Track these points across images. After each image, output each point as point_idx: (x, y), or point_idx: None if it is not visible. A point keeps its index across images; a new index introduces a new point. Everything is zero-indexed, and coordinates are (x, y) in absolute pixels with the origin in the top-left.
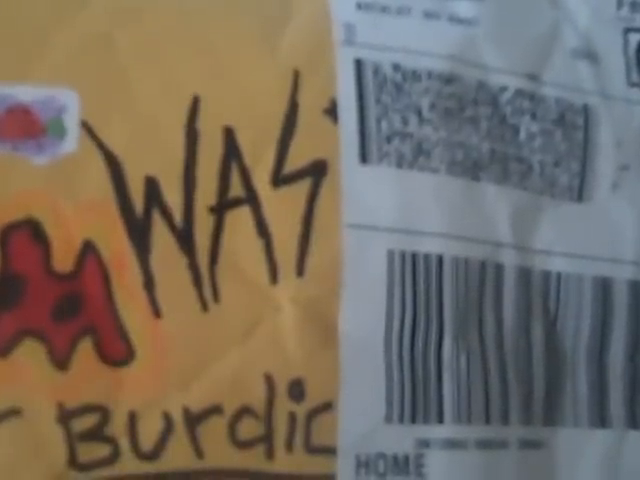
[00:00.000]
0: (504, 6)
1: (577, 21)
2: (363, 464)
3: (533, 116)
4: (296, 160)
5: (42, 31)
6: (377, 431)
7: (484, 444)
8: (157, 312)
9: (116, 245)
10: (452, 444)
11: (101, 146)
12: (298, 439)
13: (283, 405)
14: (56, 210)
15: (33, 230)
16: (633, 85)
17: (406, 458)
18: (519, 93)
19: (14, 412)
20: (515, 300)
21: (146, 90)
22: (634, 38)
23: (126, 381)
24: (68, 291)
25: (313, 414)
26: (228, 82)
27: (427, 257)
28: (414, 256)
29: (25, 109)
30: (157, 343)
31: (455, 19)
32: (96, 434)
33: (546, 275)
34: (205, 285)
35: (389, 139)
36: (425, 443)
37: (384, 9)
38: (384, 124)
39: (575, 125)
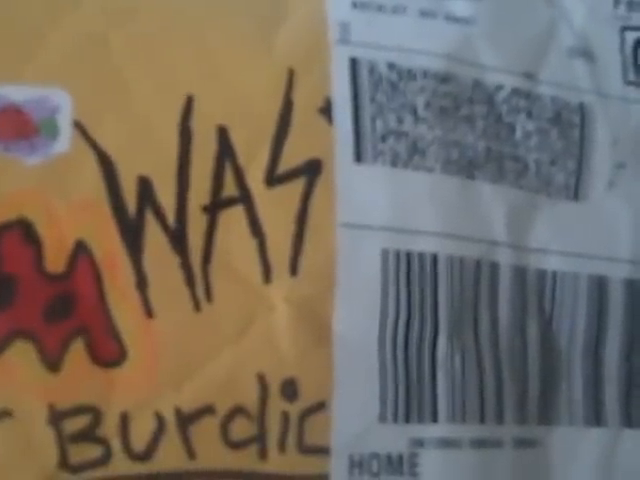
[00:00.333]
0: (500, 5)
1: (573, 20)
2: (357, 464)
3: (529, 115)
4: (290, 159)
5: (36, 31)
6: (371, 431)
7: (478, 443)
8: (149, 312)
9: (108, 245)
10: (446, 443)
11: (94, 146)
12: (291, 439)
13: (276, 405)
14: (48, 210)
15: (25, 230)
16: (629, 83)
17: (400, 458)
18: (515, 92)
19: (5, 413)
20: (510, 299)
21: (140, 90)
22: (631, 36)
23: (118, 382)
24: (60, 291)
25: (306, 414)
26: (222, 81)
27: (422, 256)
28: (408, 255)
29: (18, 109)
30: (149, 343)
31: (451, 18)
32: (87, 435)
33: (541, 274)
34: (198, 285)
35: (384, 138)
36: (419, 442)
37: (380, 8)
38: (379, 123)
39: (571, 124)
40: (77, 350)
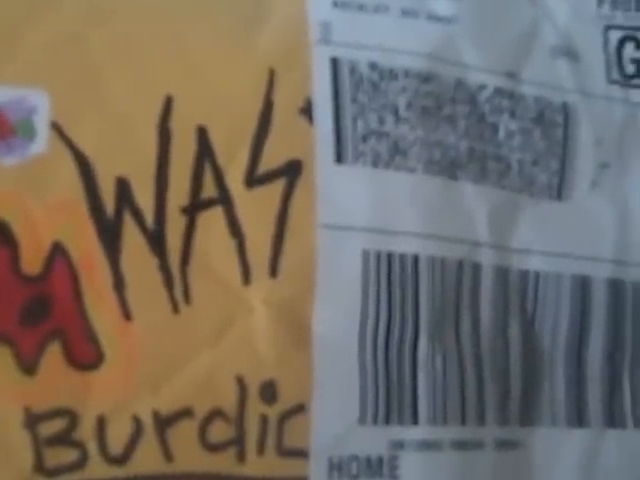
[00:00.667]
0: (483, 4)
1: (557, 19)
2: (336, 467)
3: (512, 114)
4: (270, 160)
5: (14, 31)
6: (350, 433)
7: (460, 445)
8: (127, 314)
9: (86, 246)
10: (427, 445)
11: (71, 146)
12: (270, 442)
13: (255, 407)
14: (25, 211)
15: (1, 231)
16: (613, 83)
17: (380, 460)
18: (498, 91)
19: None
20: (492, 300)
21: (119, 90)
22: (614, 35)
23: (95, 385)
24: (36, 293)
25: (285, 416)
26: (202, 81)
27: (403, 257)
28: (389, 256)
29: None
30: (127, 346)
31: (433, 17)
32: (64, 439)
33: (524, 274)
34: (176, 286)
35: (365, 138)
36: (399, 444)
37: (361, 7)
38: (360, 123)
39: (554, 123)
40: (53, 353)
